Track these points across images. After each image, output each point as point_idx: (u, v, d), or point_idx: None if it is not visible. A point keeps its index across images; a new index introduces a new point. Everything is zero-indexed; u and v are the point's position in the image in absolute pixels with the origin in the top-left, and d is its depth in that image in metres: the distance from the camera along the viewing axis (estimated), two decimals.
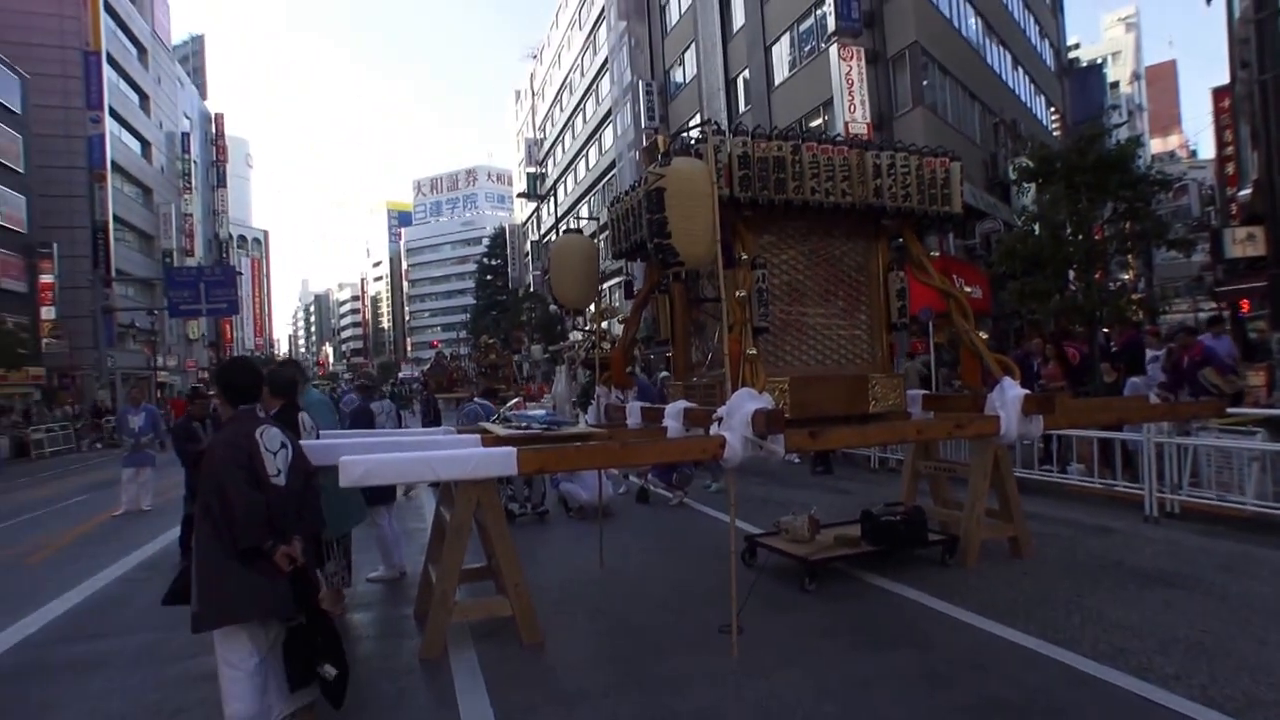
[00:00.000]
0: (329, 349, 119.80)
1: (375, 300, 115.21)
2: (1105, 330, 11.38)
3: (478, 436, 4.86)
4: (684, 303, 5.76)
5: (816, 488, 9.00)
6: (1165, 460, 6.77)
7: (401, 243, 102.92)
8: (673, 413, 5.00)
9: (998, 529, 5.63)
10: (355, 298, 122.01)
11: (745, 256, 4.69)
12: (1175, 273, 21.87)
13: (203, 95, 56.26)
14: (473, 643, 4.24)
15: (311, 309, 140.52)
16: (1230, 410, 6.95)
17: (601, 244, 6.98)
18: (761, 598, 4.78)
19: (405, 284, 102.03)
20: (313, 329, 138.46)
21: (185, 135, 46.66)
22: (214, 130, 54.11)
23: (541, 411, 5.71)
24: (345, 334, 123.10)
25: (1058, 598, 4.65)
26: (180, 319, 38.01)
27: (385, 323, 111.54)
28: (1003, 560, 5.51)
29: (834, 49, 17.30)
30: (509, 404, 6.97)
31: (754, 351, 4.48)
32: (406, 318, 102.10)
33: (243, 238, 72.33)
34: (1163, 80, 57.77)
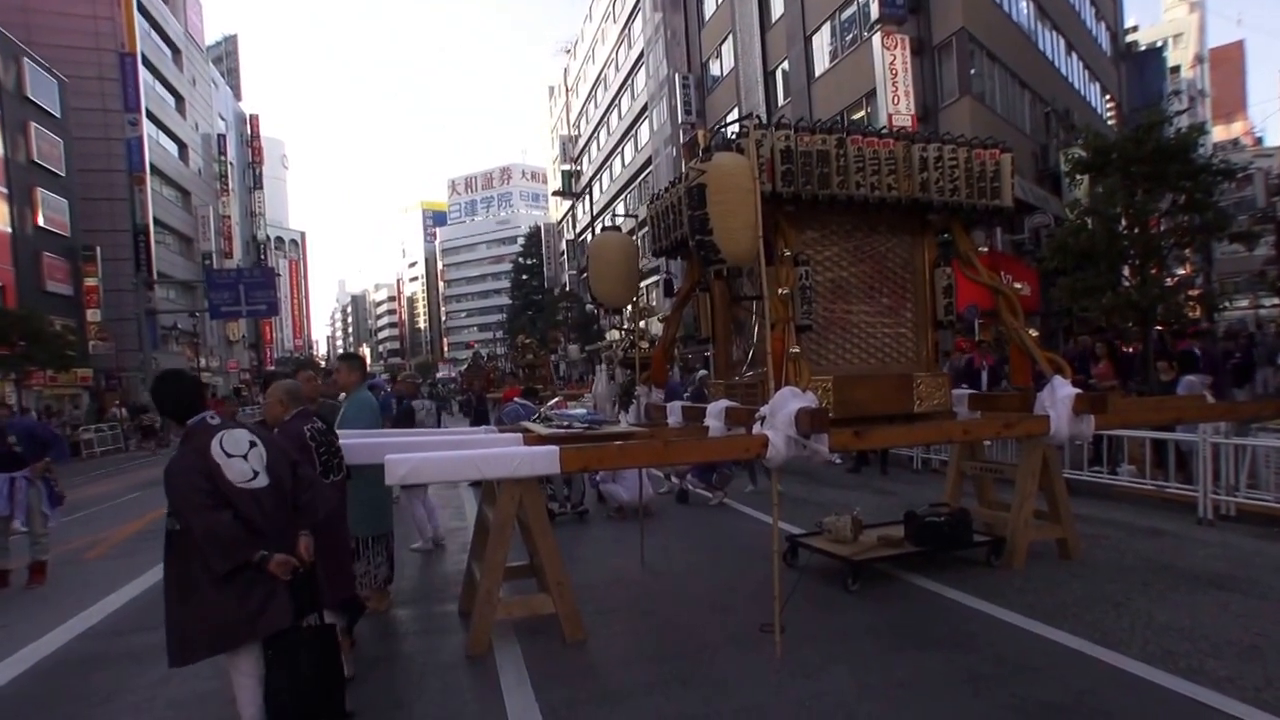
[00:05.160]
0: (366, 350, 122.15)
1: (411, 301, 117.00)
2: (1160, 328, 10.96)
3: (519, 435, 4.91)
4: (725, 301, 5.73)
5: (858, 488, 8.90)
6: (1221, 461, 6.55)
7: (437, 243, 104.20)
8: (714, 412, 4.98)
9: (1045, 530, 5.51)
10: (391, 298, 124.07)
11: (788, 253, 4.65)
12: (1236, 267, 20.98)
13: (237, 96, 56.96)
14: (517, 639, 4.30)
15: (349, 310, 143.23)
16: None
17: (640, 241, 6.99)
18: (804, 597, 4.76)
19: (441, 284, 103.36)
20: (350, 330, 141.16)
21: (221, 137, 47.14)
22: (249, 131, 54.70)
23: (582, 410, 5.75)
24: (382, 334, 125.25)
25: (1106, 600, 4.55)
26: (221, 321, 38.51)
27: (422, 323, 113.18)
28: (1050, 562, 5.39)
29: (877, 38, 16.91)
30: (550, 403, 7.03)
31: (797, 350, 4.44)
32: (443, 318, 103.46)
33: (280, 239, 73.67)
34: (1229, 63, 54.74)
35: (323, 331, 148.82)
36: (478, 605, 4.19)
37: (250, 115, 55.76)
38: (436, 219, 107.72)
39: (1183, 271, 14.04)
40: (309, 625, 2.98)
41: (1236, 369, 9.34)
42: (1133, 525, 6.47)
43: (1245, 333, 13.36)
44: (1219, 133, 41.33)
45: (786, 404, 4.17)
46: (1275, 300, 20.52)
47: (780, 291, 4.48)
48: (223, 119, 49.52)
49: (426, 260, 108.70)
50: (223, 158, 46.91)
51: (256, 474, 2.85)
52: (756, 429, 4.31)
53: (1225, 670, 3.48)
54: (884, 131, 5.06)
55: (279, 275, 46.95)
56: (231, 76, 58.47)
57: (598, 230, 44.83)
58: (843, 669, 3.73)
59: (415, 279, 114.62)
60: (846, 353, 5.19)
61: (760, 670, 3.74)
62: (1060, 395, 4.99)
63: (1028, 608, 4.43)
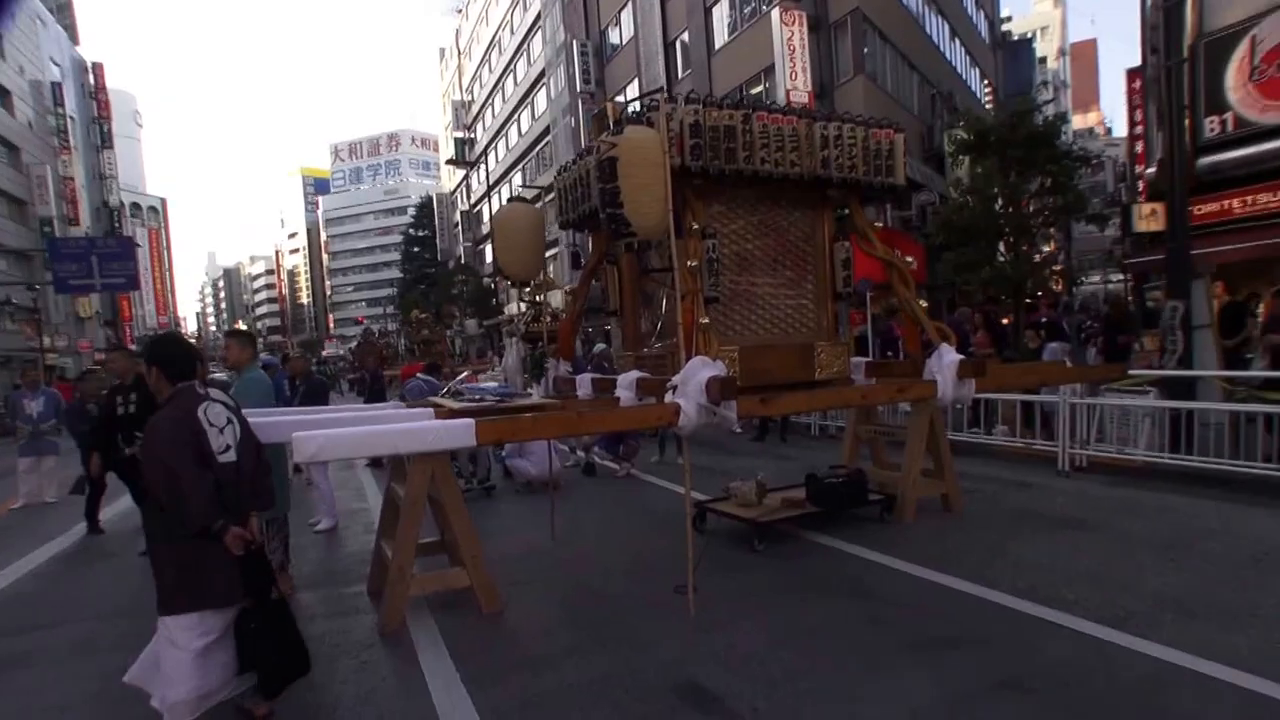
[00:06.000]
0: (243, 327, 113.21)
1: (292, 274, 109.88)
2: (1029, 300, 12.06)
3: (429, 410, 4.79)
4: (633, 273, 5.77)
5: (760, 455, 9.26)
6: (1077, 419, 7.34)
7: (319, 212, 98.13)
8: (625, 383, 5.04)
9: (931, 487, 5.98)
10: (270, 271, 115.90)
11: (696, 226, 4.73)
12: (1090, 245, 23.26)
13: (73, 39, 49.70)
14: (431, 615, 4.24)
15: (220, 284, 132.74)
16: (1130, 372, 7.59)
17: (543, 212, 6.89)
18: (714, 559, 4.97)
19: (325, 256, 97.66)
20: (223, 305, 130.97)
21: (56, 85, 40.55)
22: (93, 81, 47.81)
23: (494, 384, 5.66)
24: (260, 310, 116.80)
25: (983, 546, 5.04)
26: (68, 295, 34.23)
27: (304, 298, 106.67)
28: (936, 515, 5.88)
29: (776, 13, 17.17)
30: (460, 377, 6.88)
31: (706, 320, 4.56)
32: (328, 292, 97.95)
33: (137, 206, 65.85)
34: (1084, 58, 59.91)
35: (191, 307, 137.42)
36: (390, 582, 4.09)
37: (93, 63, 48.94)
38: (318, 186, 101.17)
39: (1048, 249, 15.42)
40: (267, 600, 3.01)
41: (1090, 337, 10.42)
42: (1005, 479, 7.14)
43: (1095, 307, 14.87)
44: (1077, 121, 45.18)
45: (697, 373, 4.28)
46: (1120, 276, 22.87)
47: (689, 264, 4.57)
48: (56, 65, 42.85)
49: (308, 231, 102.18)
50: (60, 110, 40.30)
51: (229, 448, 2.92)
52: (669, 398, 4.40)
53: (1074, 595, 4.04)
54: (788, 109, 5.21)
55: (139, 246, 41.90)
56: (63, 15, 50.76)
57: (494, 201, 43.68)
58: (754, 622, 3.93)
59: (296, 251, 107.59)
60: (752, 323, 5.37)
61: (676, 629, 3.88)
62: (946, 362, 5.40)
63: (917, 556, 4.82)
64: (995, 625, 3.73)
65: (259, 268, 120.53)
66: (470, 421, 3.98)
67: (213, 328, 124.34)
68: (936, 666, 3.32)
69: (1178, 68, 8.04)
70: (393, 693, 3.38)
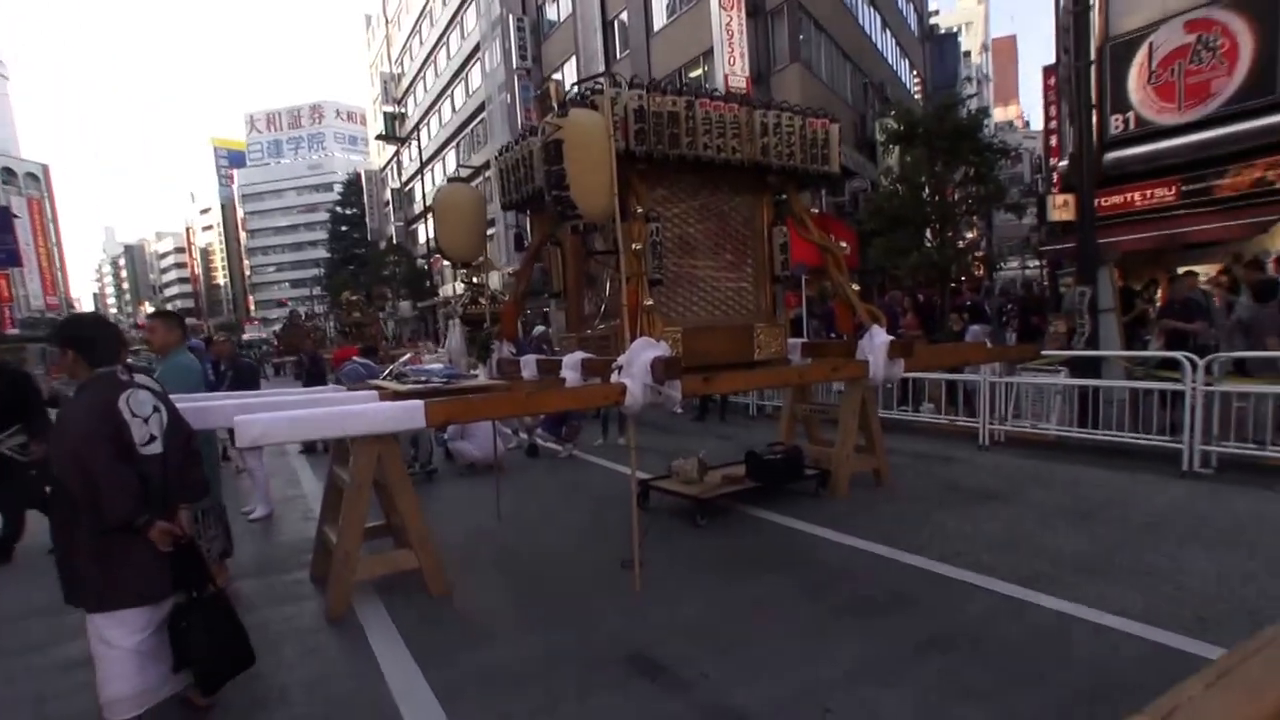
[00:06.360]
0: (148, 308, 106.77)
1: (206, 252, 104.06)
2: (953, 285, 12.71)
3: (373, 393, 4.72)
4: (577, 255, 5.79)
5: (701, 434, 9.47)
6: (996, 397, 7.81)
7: (234, 186, 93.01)
8: (570, 363, 5.07)
9: (863, 462, 6.28)
10: (180, 249, 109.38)
11: (640, 210, 4.80)
12: (1010, 233, 24.57)
13: None
14: (379, 598, 4.22)
15: (121, 262, 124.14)
16: (1044, 352, 8.11)
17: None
18: (658, 535, 5.13)
19: (242, 234, 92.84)
20: (125, 285, 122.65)
21: None
22: None
23: (439, 365, 5.60)
24: (170, 291, 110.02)
25: (911, 516, 5.36)
26: None
27: (220, 278, 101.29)
28: (867, 489, 6.18)
29: None
30: (401, 360, 6.76)
31: (650, 302, 4.65)
32: (247, 272, 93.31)
33: (10, 172, 59.58)
34: (1004, 53, 62.65)
35: (87, 287, 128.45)
36: (335, 566, 4.04)
37: None
38: (233, 159, 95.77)
39: (971, 236, 16.24)
40: (201, 596, 2.92)
41: (1009, 320, 11.06)
42: (931, 454, 7.55)
43: (1014, 291, 15.75)
44: (997, 114, 47.20)
45: (642, 353, 4.37)
46: (1037, 262, 24.26)
47: (634, 247, 4.63)
48: None
49: (223, 206, 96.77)
50: None
51: (154, 439, 2.78)
52: (614, 378, 4.48)
53: (991, 560, 4.37)
54: (729, 96, 5.31)
55: (18, 217, 37.75)
56: None
57: (427, 179, 42.47)
58: (699, 593, 4.09)
59: (210, 227, 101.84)
60: (694, 305, 5.49)
61: (623, 602, 4.00)
62: (877, 343, 5.67)
63: (850, 527, 5.09)
64: (922, 589, 4.00)
65: (167, 245, 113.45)
66: (419, 403, 3.95)
67: (114, 310, 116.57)
68: (870, 628, 3.54)
69: (1086, 68, 8.55)
70: (344, 675, 3.38)
